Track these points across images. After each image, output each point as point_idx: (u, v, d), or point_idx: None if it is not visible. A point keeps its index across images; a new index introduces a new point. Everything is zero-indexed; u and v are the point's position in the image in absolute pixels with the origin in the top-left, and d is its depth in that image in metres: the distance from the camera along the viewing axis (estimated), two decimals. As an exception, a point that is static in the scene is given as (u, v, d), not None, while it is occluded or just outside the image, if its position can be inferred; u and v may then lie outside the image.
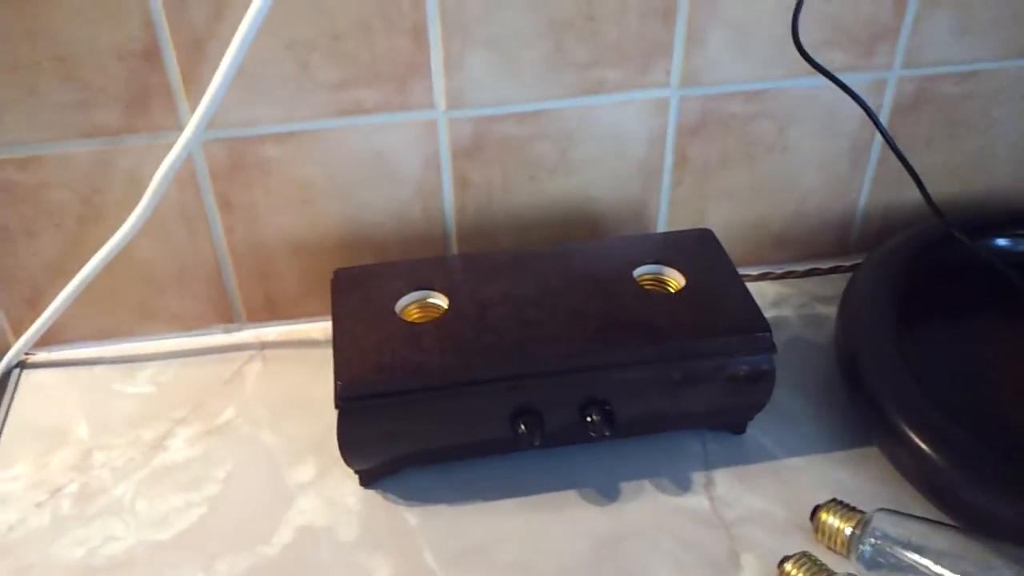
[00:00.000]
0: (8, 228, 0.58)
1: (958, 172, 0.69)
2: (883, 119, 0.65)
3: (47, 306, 0.60)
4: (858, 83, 0.60)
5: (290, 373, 0.63)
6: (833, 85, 0.56)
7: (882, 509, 0.49)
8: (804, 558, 0.48)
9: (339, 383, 0.50)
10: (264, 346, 0.65)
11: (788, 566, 0.48)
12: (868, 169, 0.67)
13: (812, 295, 0.69)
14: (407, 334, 0.52)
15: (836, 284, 0.66)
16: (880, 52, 0.62)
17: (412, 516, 0.53)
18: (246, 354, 0.64)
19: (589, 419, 0.52)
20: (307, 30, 0.54)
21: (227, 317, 0.65)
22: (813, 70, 0.55)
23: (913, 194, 0.58)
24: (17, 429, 0.59)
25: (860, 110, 0.57)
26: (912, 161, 0.57)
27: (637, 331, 0.52)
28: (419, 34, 0.55)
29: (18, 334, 0.62)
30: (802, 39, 0.54)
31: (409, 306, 0.55)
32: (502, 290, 0.55)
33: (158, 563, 0.51)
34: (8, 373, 0.63)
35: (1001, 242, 0.64)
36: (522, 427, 0.51)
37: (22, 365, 0.64)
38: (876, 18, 0.60)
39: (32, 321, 0.61)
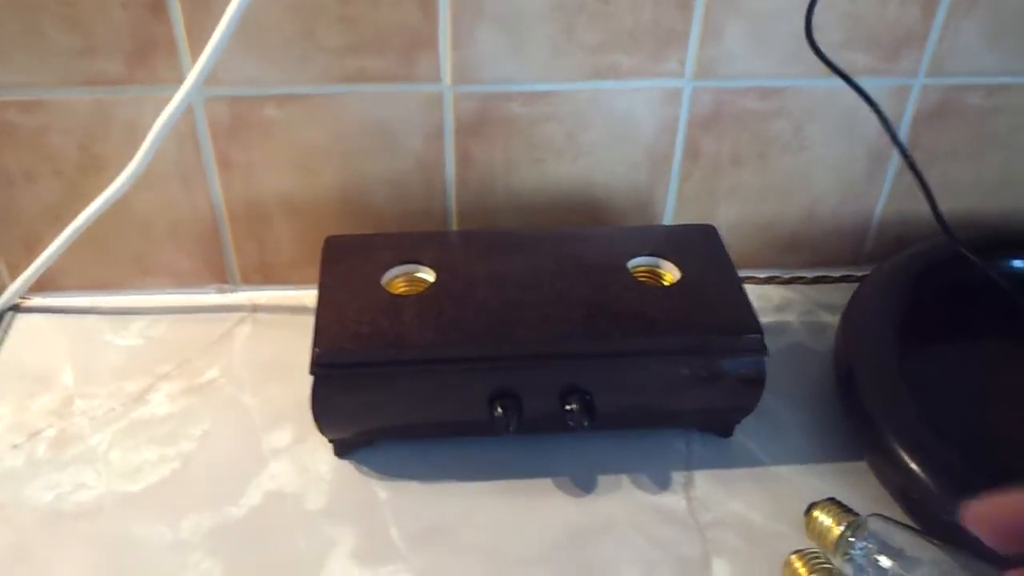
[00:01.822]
0: (9, 171, 0.58)
1: (982, 187, 0.66)
2: (905, 127, 0.63)
3: (44, 251, 0.60)
4: (879, 88, 0.59)
5: (278, 338, 0.62)
6: (852, 87, 0.55)
7: (877, 514, 0.47)
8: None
9: (316, 350, 0.49)
10: (256, 309, 0.65)
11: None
12: (887, 177, 0.65)
13: (818, 303, 0.67)
14: (389, 305, 0.51)
15: (844, 293, 0.63)
16: (905, 58, 0.60)
17: (383, 490, 0.52)
18: (237, 316, 0.64)
19: (568, 408, 0.51)
20: (315, -8, 0.53)
21: (222, 277, 0.65)
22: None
23: (932, 205, 0.56)
24: (3, 371, 0.59)
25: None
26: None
27: (623, 322, 0.51)
28: (428, 5, 0.54)
29: (14, 277, 0.62)
30: (822, 38, 0.52)
31: (396, 278, 0.54)
32: (492, 269, 0.54)
33: (125, 514, 0.51)
34: (1, 315, 0.63)
35: (1018, 263, 0.62)
36: (499, 410, 0.50)
37: (16, 308, 0.64)
38: (902, 22, 0.58)
39: (28, 265, 0.61)
